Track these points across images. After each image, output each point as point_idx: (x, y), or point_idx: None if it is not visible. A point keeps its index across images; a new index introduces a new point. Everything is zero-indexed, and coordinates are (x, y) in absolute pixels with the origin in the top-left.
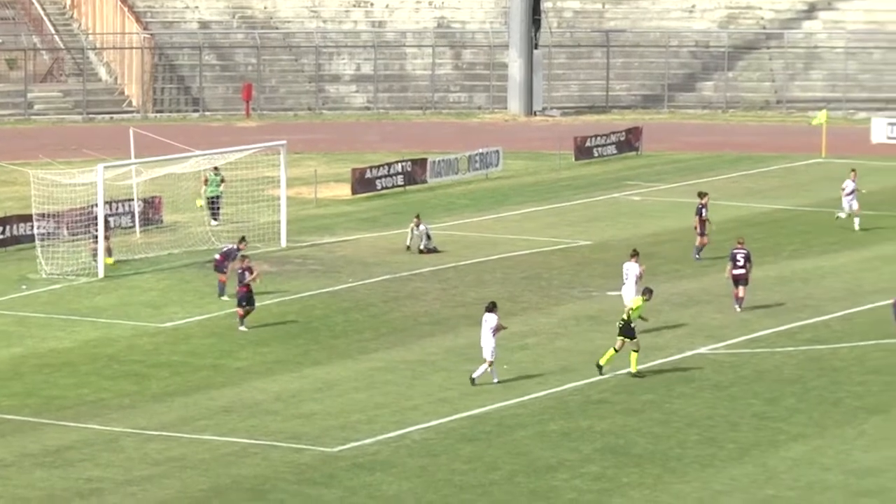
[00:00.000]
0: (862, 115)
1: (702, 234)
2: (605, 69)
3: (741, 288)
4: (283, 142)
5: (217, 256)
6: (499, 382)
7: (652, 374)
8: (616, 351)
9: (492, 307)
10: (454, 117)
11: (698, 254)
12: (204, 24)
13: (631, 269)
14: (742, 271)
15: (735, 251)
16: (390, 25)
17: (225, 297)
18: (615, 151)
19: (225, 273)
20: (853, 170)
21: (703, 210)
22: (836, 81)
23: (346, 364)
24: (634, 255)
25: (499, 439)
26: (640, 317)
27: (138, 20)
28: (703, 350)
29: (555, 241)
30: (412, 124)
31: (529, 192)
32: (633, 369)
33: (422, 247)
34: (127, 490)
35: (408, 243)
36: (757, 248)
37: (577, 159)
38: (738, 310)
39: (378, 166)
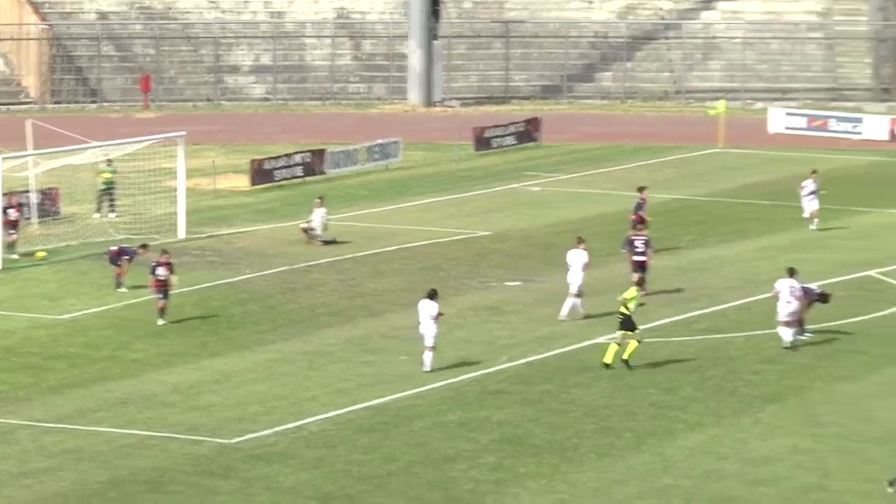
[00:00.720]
0: (759, 105)
1: (643, 227)
2: (505, 60)
3: (640, 274)
4: (182, 133)
5: (113, 248)
6: (430, 371)
7: (549, 364)
8: (619, 346)
9: (432, 294)
10: (353, 108)
11: (623, 247)
12: (102, 15)
13: (577, 257)
14: (643, 258)
15: (633, 237)
16: (289, 16)
17: (123, 289)
18: (514, 142)
19: (120, 266)
20: (814, 171)
21: (643, 204)
22: (734, 72)
23: (243, 355)
24: (580, 242)
25: (396, 430)
26: (640, 304)
27: (36, 11)
28: (601, 340)
29: (454, 231)
30: (311, 115)
31: (429, 182)
32: (625, 356)
33: (320, 238)
34: (23, 483)
35: (310, 220)
36: (654, 238)
37: (476, 150)
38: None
39: (277, 157)
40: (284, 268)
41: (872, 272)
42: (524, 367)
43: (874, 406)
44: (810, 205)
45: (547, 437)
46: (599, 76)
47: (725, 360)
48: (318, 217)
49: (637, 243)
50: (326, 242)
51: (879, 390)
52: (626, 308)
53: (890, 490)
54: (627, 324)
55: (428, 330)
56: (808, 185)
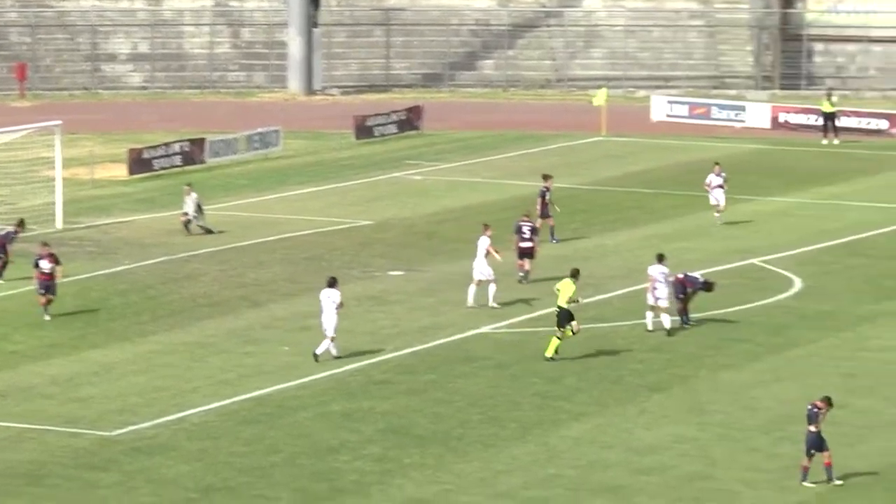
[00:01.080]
0: (642, 93)
1: (545, 217)
2: (386, 48)
3: (526, 261)
4: (58, 122)
5: None
6: (338, 357)
7: (434, 354)
8: (560, 340)
9: (332, 282)
10: (233, 97)
11: (552, 236)
12: None
13: (481, 244)
14: (529, 244)
15: (521, 223)
16: (167, 3)
17: (0, 281)
18: (396, 131)
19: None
20: (717, 163)
21: (547, 193)
22: (616, 59)
23: (123, 347)
24: (486, 228)
25: (280, 421)
26: (574, 300)
27: None
28: (485, 329)
29: (336, 221)
30: (190, 104)
31: (310, 172)
32: (548, 353)
33: (196, 222)
34: None
35: (185, 209)
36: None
37: (357, 139)
38: (524, 282)
39: (155, 146)
40: (164, 258)
41: (755, 260)
42: (409, 357)
43: (758, 394)
44: (718, 199)
45: (432, 428)
46: (481, 64)
47: (610, 349)
48: (190, 204)
49: (524, 229)
50: (206, 230)
51: (763, 378)
52: (566, 301)
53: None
54: (564, 319)
55: (329, 319)
56: (713, 178)
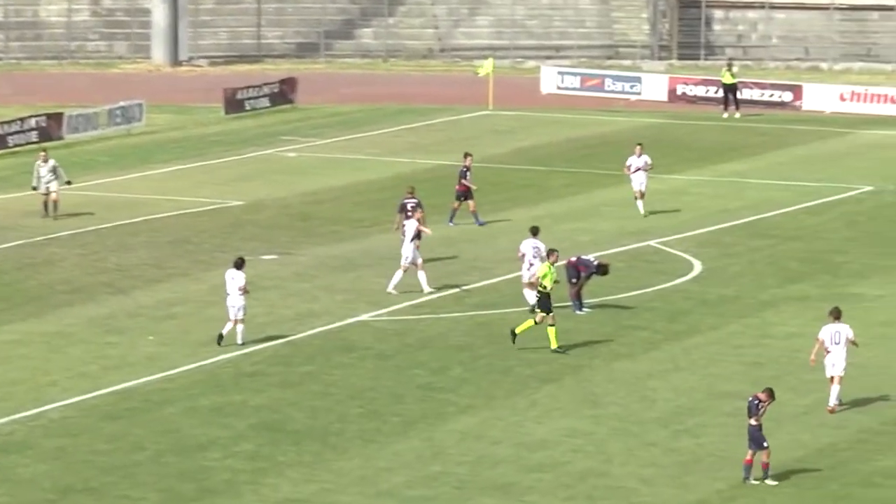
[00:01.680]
0: (531, 63)
1: (467, 198)
2: (257, 15)
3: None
4: None
5: None
6: (243, 344)
7: (311, 344)
8: (536, 323)
9: (239, 263)
10: (93, 68)
11: (451, 220)
12: None
13: (410, 227)
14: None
15: (405, 201)
16: None
17: None
18: (268, 104)
19: None
20: (639, 144)
21: (467, 173)
22: (503, 28)
23: None
24: (415, 210)
25: (145, 417)
26: (555, 281)
27: None
28: (364, 317)
29: (204, 201)
30: (47, 75)
31: (176, 148)
32: (552, 345)
33: (63, 179)
34: None
35: (34, 184)
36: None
37: (227, 113)
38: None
39: (9, 122)
40: (20, 241)
41: (652, 242)
42: (283, 347)
43: (656, 385)
44: (639, 184)
45: (308, 423)
46: (359, 33)
47: (499, 337)
48: (45, 172)
49: (409, 207)
50: (67, 182)
51: (661, 368)
52: (542, 286)
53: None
54: (544, 303)
55: (235, 302)
56: (634, 161)
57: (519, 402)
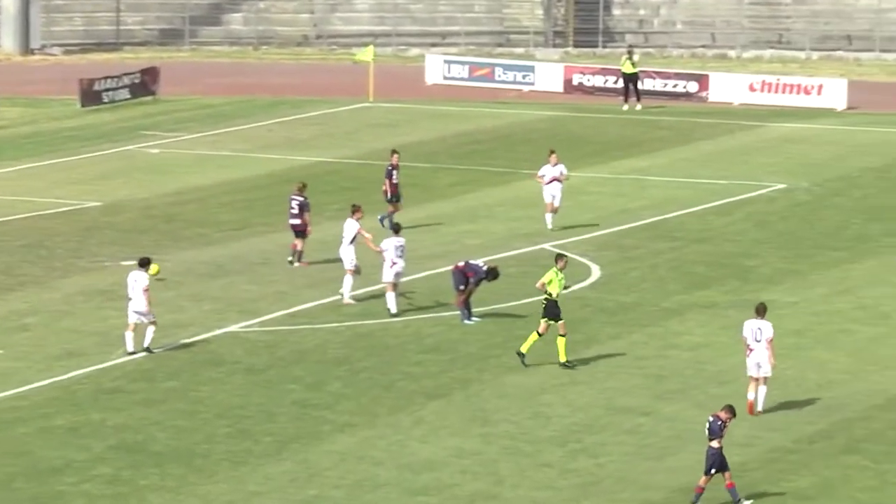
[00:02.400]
0: (415, 51)
1: (395, 200)
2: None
3: (299, 240)
4: None
5: None
6: (151, 349)
7: (176, 358)
8: (540, 335)
9: (144, 262)
10: None
11: (387, 218)
12: None
13: (349, 228)
14: (297, 221)
15: (291, 197)
16: None
17: None
18: (128, 96)
19: None
20: (553, 151)
21: (394, 172)
22: (384, 13)
23: None
24: (355, 210)
25: None
26: (565, 287)
27: None
28: (234, 328)
29: (59, 202)
30: None
31: (28, 144)
32: (561, 358)
33: None
34: None
35: None
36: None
37: (83, 105)
38: (296, 265)
39: None
40: None
41: (547, 245)
42: (146, 361)
43: (551, 400)
44: (551, 196)
45: (172, 444)
46: (228, 18)
47: (380, 349)
48: None
49: (293, 204)
50: None
51: (557, 382)
52: (548, 293)
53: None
54: (551, 311)
55: (140, 307)
56: (548, 170)
57: (402, 419)
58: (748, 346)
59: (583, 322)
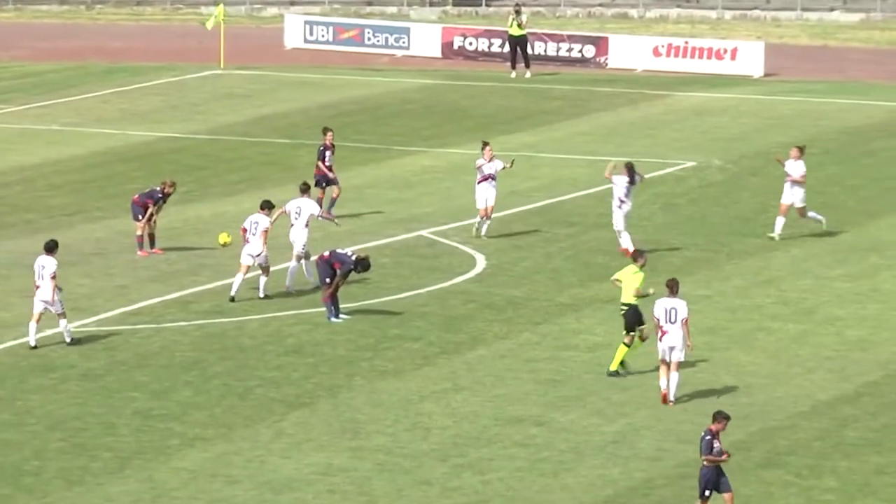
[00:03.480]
0: (271, 10)
1: (329, 184)
2: None
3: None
4: None
5: None
6: (71, 343)
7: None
8: (627, 346)
9: (50, 246)
10: None
11: (330, 210)
12: None
13: (259, 223)
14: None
15: (153, 189)
16: None
17: None
18: None
19: None
20: (486, 143)
21: (327, 153)
22: None
23: None
24: (264, 207)
25: None
26: (643, 294)
27: None
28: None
29: None
30: None
31: None
32: (612, 366)
33: None
34: None
35: None
36: (134, 188)
37: None
38: (140, 254)
39: None
40: None
41: (425, 232)
42: None
43: (431, 409)
44: (484, 199)
45: None
46: None
47: (235, 351)
48: None
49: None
50: None
51: (437, 388)
52: (629, 302)
53: None
54: (634, 318)
55: (46, 295)
56: (485, 165)
57: (261, 431)
58: (661, 327)
59: (467, 319)
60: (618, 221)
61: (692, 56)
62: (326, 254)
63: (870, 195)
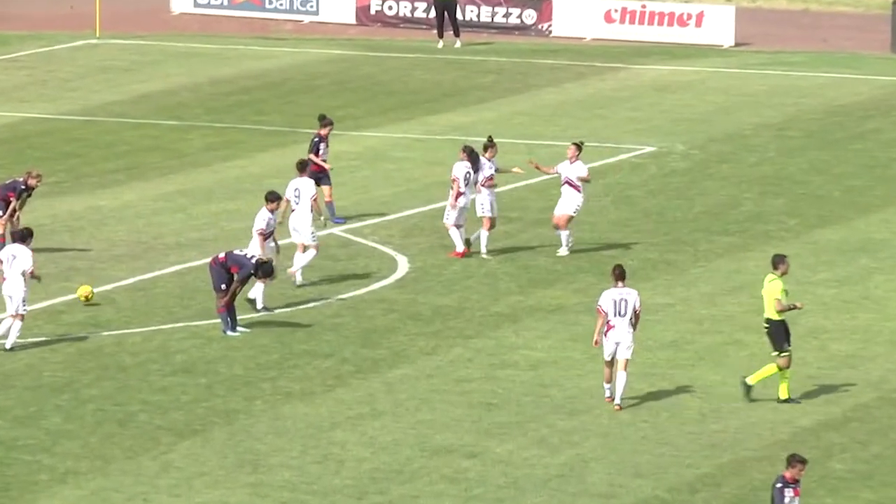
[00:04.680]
0: None
1: (320, 182)
2: None
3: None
4: None
5: None
6: (12, 349)
7: None
8: (780, 369)
9: (24, 236)
10: None
11: (333, 215)
12: None
13: (304, 189)
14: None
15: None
16: None
17: None
18: None
19: None
20: (492, 141)
21: (321, 144)
22: None
23: None
24: (304, 168)
25: None
26: (787, 308)
27: None
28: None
29: None
30: None
31: None
32: (782, 395)
33: None
34: None
35: None
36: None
37: None
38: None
39: None
40: None
41: (336, 230)
42: None
43: (344, 438)
44: (482, 206)
45: None
46: None
47: (114, 370)
48: None
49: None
50: None
51: (351, 413)
52: (778, 310)
53: None
54: (784, 334)
55: (13, 290)
56: (486, 168)
57: (145, 464)
58: (608, 322)
59: (387, 333)
60: (449, 216)
61: (650, 22)
62: (222, 256)
63: (859, 185)
